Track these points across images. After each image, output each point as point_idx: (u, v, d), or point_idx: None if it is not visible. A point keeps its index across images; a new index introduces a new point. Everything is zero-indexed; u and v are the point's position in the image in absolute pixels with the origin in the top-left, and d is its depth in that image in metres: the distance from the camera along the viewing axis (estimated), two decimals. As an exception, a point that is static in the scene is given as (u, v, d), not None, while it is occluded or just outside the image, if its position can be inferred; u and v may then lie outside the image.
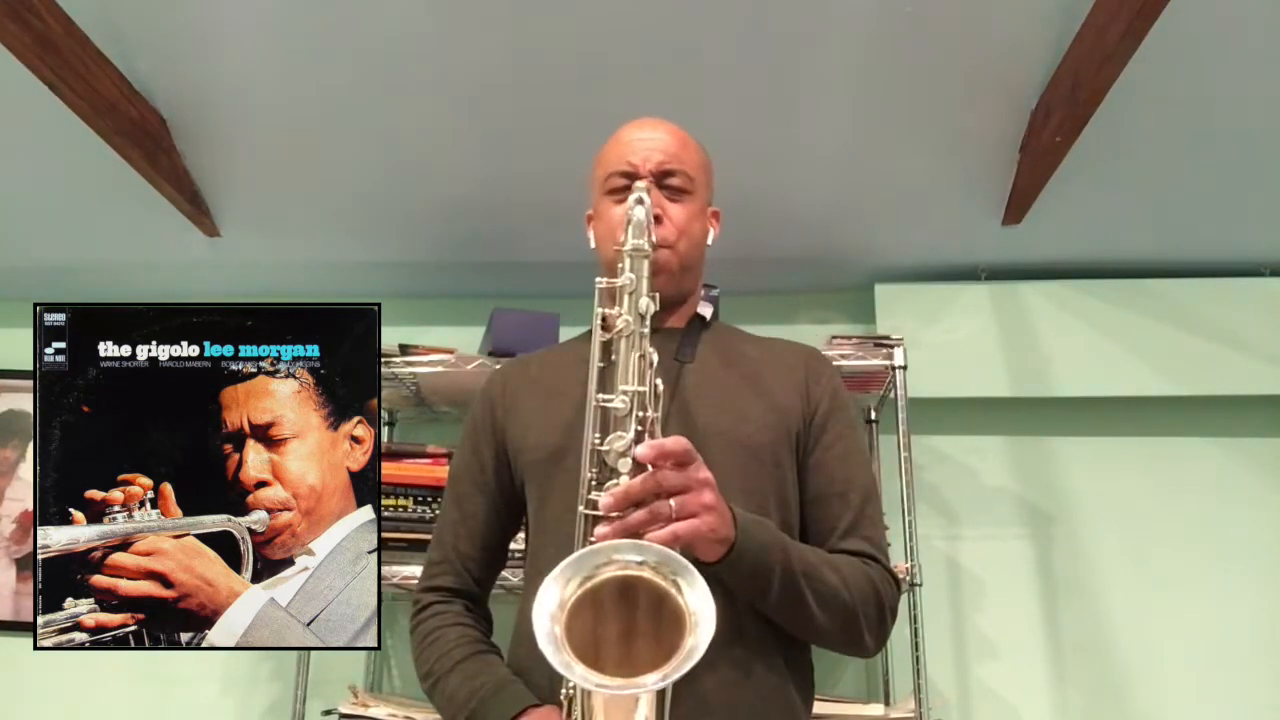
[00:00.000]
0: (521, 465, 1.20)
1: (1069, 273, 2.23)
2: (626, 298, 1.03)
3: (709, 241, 1.28)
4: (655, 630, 0.88)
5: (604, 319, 1.04)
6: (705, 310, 1.29)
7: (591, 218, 1.29)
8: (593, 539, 0.94)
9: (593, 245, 1.28)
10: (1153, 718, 2.08)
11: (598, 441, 0.99)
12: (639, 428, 0.97)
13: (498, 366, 1.42)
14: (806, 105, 1.82)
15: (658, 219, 1.16)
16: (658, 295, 1.05)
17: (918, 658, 1.80)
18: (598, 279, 1.07)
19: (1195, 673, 2.09)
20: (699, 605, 0.85)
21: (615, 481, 0.96)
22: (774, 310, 2.31)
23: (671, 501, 0.92)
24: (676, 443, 0.95)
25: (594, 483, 0.99)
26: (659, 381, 1.01)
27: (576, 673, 0.84)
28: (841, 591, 1.06)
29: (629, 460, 0.95)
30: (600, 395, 1.01)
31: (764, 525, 1.03)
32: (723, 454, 1.09)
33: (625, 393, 0.98)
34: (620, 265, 1.05)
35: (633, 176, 1.20)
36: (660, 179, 1.21)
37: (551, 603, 0.87)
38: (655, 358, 1.01)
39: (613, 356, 1.02)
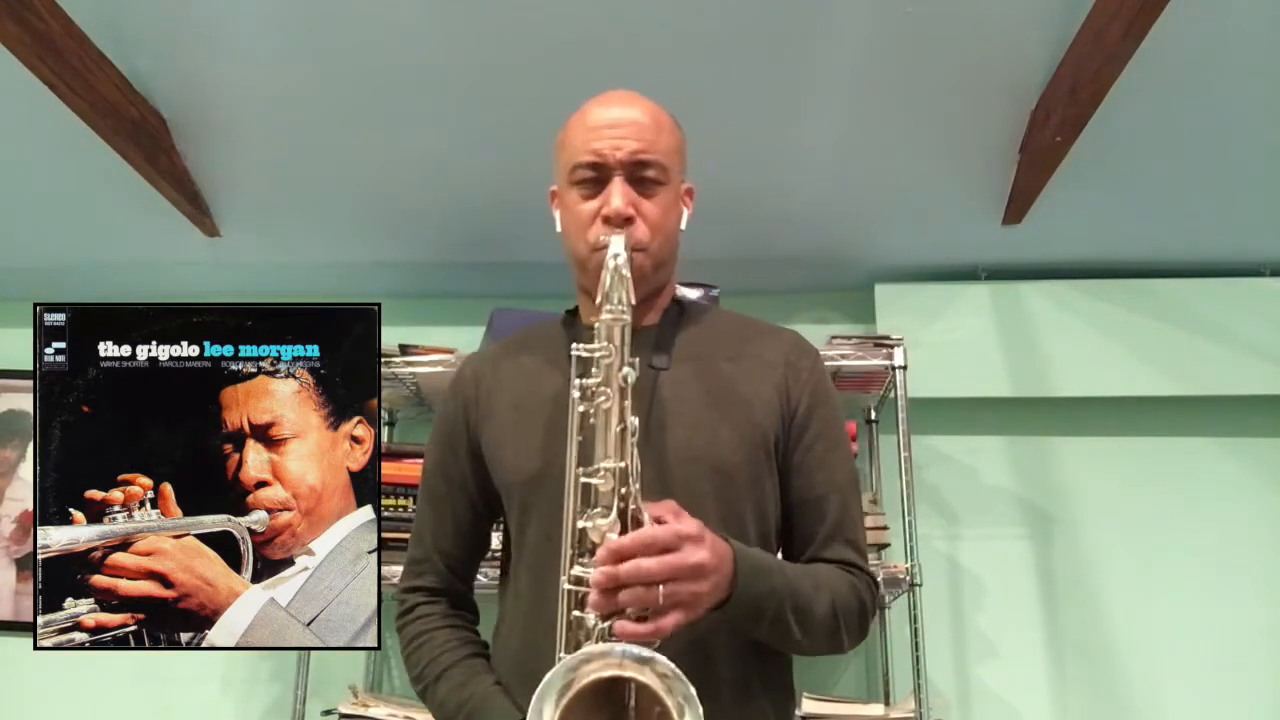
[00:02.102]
0: (497, 481, 1.18)
1: (1069, 273, 2.23)
2: (605, 368, 0.99)
3: (682, 225, 1.20)
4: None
5: (582, 390, 1.00)
6: (690, 292, 1.25)
7: (555, 195, 1.21)
8: (578, 613, 0.93)
9: (558, 229, 1.21)
10: (1152, 718, 2.08)
11: (578, 513, 0.97)
12: (621, 504, 0.95)
13: (466, 358, 1.38)
14: (806, 105, 1.82)
15: (630, 220, 1.11)
16: (637, 361, 1.01)
17: (918, 658, 1.80)
18: (574, 346, 1.02)
19: (1195, 672, 2.09)
20: None
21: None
22: (774, 310, 2.30)
23: (660, 589, 0.89)
24: (660, 535, 0.91)
25: (575, 555, 0.96)
26: (636, 451, 0.98)
27: None
28: (829, 618, 1.05)
29: (613, 536, 0.93)
30: (580, 470, 0.97)
31: (764, 573, 1.00)
32: (697, 480, 1.07)
33: (607, 470, 0.95)
34: (596, 329, 1.01)
35: (601, 168, 1.12)
36: (632, 171, 1.12)
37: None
38: (635, 424, 0.98)
39: (591, 421, 0.98)
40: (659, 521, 0.93)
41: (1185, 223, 2.09)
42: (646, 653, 0.87)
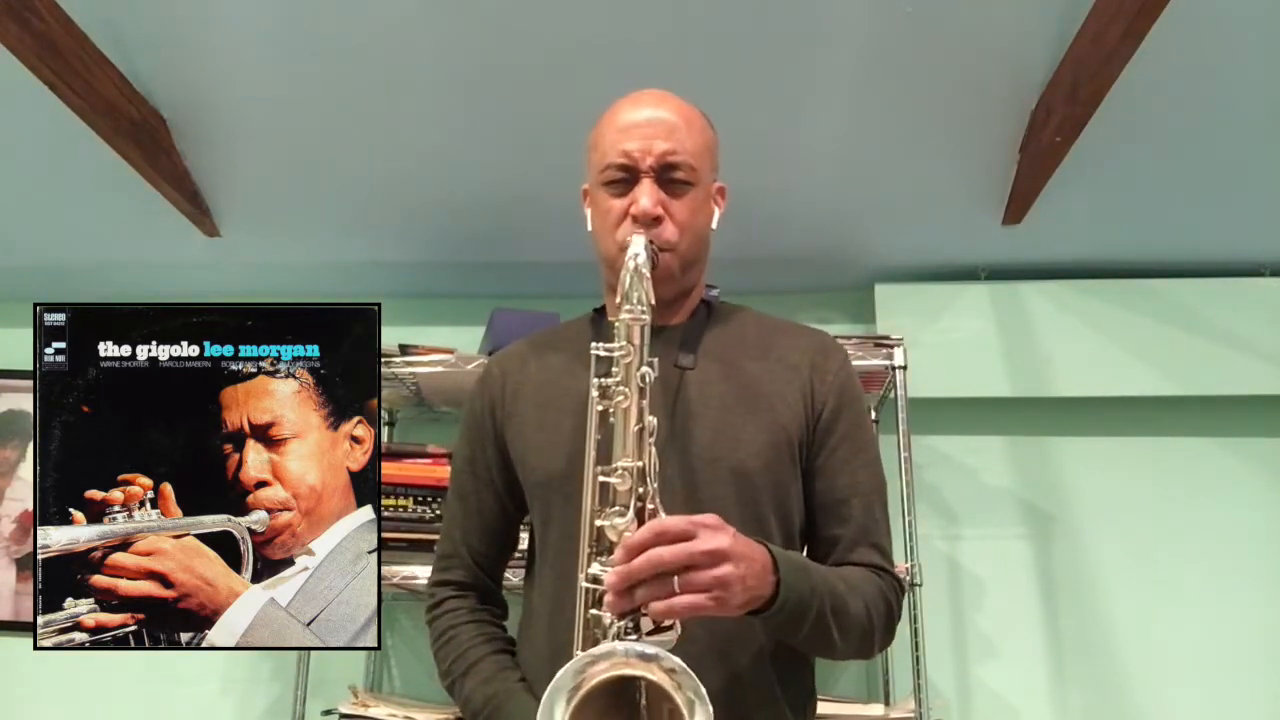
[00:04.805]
0: (522, 478, 1.19)
1: (1069, 273, 2.23)
2: (624, 367, 0.99)
3: (714, 224, 1.21)
4: None
5: (601, 389, 1.01)
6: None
7: (587, 193, 1.22)
8: (596, 611, 0.94)
9: (589, 228, 1.22)
10: (1152, 718, 2.08)
11: (596, 511, 0.97)
12: (639, 504, 0.95)
13: (493, 355, 1.38)
14: (806, 105, 1.82)
15: (659, 220, 1.12)
16: (656, 361, 1.01)
17: (918, 658, 1.80)
18: (594, 345, 1.03)
19: (1195, 672, 2.09)
20: None
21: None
22: (774, 310, 2.28)
23: (675, 579, 0.89)
24: (672, 524, 0.91)
25: (593, 553, 0.97)
26: (654, 449, 0.99)
27: None
28: (863, 619, 1.05)
29: (630, 535, 0.93)
30: (599, 469, 0.98)
31: (804, 572, 1.00)
32: (720, 482, 1.08)
33: (625, 469, 0.95)
34: (615, 329, 1.02)
35: (631, 169, 1.13)
36: (661, 172, 1.13)
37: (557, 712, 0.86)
38: (654, 424, 0.99)
39: (610, 420, 0.99)
40: None
41: (1185, 223, 2.09)
42: (651, 650, 0.87)
